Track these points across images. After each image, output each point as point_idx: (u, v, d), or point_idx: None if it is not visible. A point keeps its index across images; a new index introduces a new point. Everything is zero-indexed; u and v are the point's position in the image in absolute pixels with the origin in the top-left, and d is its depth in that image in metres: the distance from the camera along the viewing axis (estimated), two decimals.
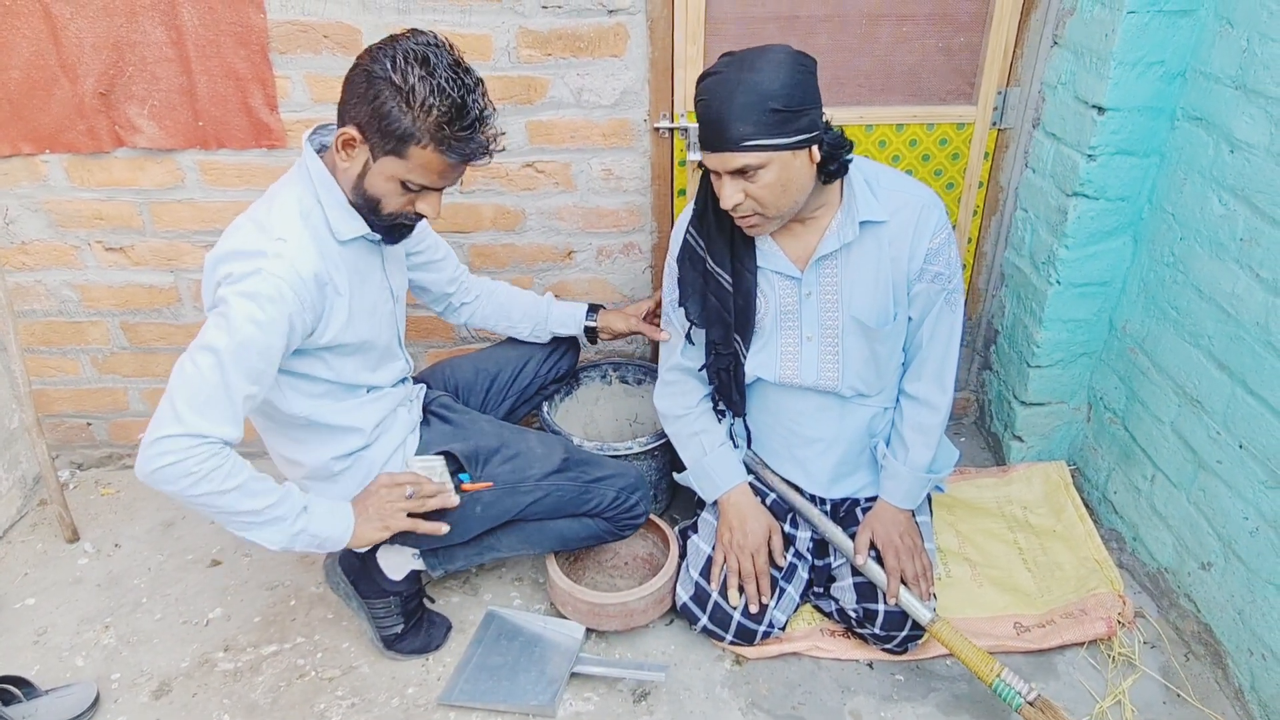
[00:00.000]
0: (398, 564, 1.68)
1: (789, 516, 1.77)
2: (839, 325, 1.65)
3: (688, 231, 1.67)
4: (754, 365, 1.70)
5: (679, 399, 1.78)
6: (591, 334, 1.87)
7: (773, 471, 1.80)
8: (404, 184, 1.34)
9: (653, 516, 1.87)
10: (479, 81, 1.31)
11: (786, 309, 1.66)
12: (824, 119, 1.45)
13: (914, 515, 1.73)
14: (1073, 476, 2.11)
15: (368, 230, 1.42)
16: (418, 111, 1.25)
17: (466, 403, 1.80)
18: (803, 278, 1.62)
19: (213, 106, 1.86)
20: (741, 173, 1.42)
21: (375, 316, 1.50)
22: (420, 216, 1.41)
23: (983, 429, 2.33)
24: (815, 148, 1.43)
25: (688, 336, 1.75)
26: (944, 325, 1.65)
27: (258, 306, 1.27)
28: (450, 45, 1.30)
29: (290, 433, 1.52)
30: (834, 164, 1.47)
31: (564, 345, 1.92)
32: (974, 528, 2.03)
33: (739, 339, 1.67)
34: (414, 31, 1.29)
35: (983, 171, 2.04)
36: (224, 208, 1.98)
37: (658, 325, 1.84)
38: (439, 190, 1.38)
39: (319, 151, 1.41)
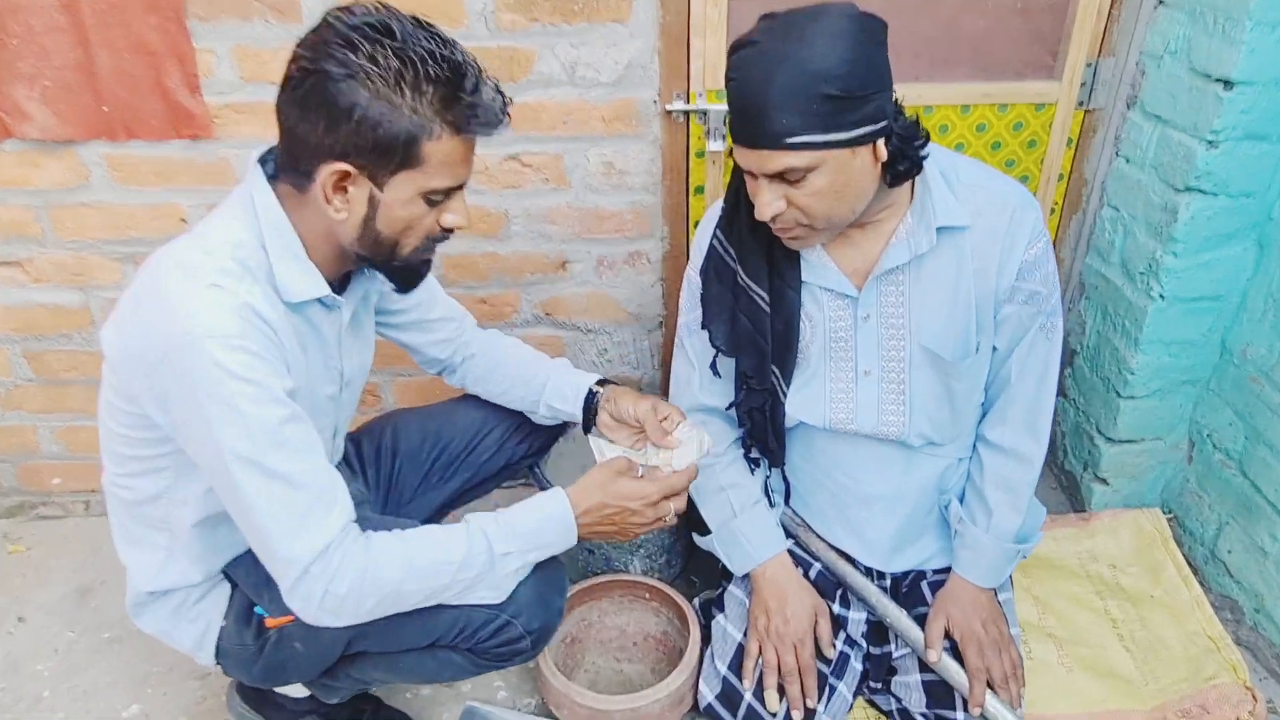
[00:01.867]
0: (292, 687, 1.35)
1: (838, 593, 1.42)
2: (905, 357, 1.30)
3: (714, 236, 1.32)
4: (796, 405, 1.35)
5: None
6: (589, 412, 1.37)
7: (818, 536, 1.45)
8: (428, 198, 1.00)
9: (665, 588, 1.52)
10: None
11: (838, 336, 1.31)
12: (895, 102, 1.10)
13: (996, 594, 1.39)
14: (1170, 527, 1.76)
15: (326, 291, 1.06)
16: (414, 97, 0.92)
17: (399, 479, 1.42)
18: (860, 297, 1.27)
19: (119, 87, 1.50)
20: (783, 177, 1.07)
21: (313, 405, 1.11)
22: (449, 233, 1.07)
23: (1054, 466, 1.98)
24: (881, 143, 1.08)
25: (712, 366, 1.40)
26: (1038, 357, 1.30)
27: (232, 376, 0.95)
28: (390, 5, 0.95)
29: (143, 528, 1.18)
30: (905, 162, 1.12)
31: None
32: (1054, 591, 1.68)
33: (777, 372, 1.32)
34: (345, 8, 0.94)
35: (1064, 162, 1.68)
36: (139, 212, 1.62)
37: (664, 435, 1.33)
38: (463, 188, 1.04)
39: (271, 179, 1.04)
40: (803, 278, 1.29)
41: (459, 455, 1.43)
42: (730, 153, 1.18)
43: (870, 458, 1.38)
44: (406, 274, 1.10)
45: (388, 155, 0.94)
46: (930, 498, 1.41)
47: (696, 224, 1.49)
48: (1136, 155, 1.59)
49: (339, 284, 1.12)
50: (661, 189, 1.66)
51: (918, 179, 1.23)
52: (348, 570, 1.01)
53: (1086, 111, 1.64)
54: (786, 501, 1.49)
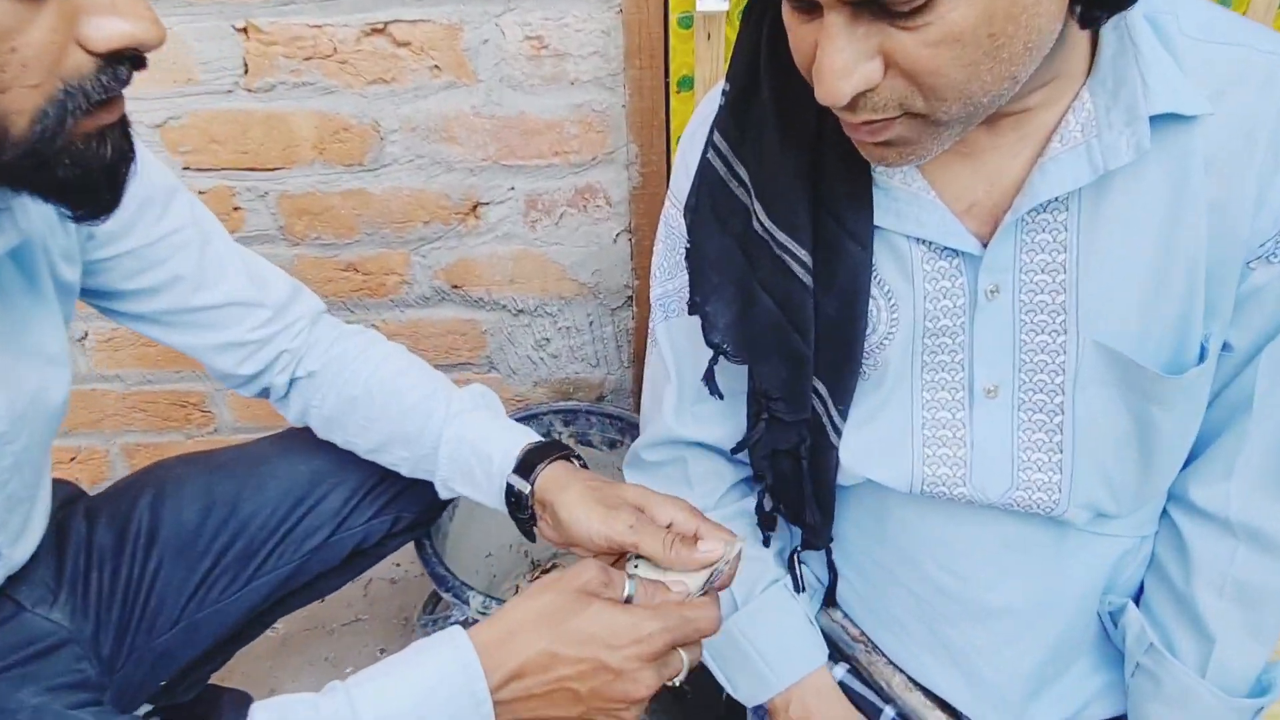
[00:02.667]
0: None
1: None
2: (1066, 365, 0.69)
3: (710, 146, 0.73)
4: (858, 452, 0.75)
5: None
6: (519, 516, 0.76)
7: (889, 663, 0.85)
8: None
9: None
10: None
11: (940, 327, 0.71)
12: None
13: None
14: None
15: None
16: None
17: (154, 591, 0.79)
18: (986, 255, 0.67)
19: None
20: (885, 8, 0.49)
21: None
22: (118, 75, 0.48)
23: None
24: None
25: (707, 378, 0.80)
26: None
27: None
28: None
29: None
30: None
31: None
32: None
33: (824, 391, 0.74)
34: None
35: None
36: None
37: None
38: None
39: None
40: (877, 221, 0.69)
41: (267, 540, 0.82)
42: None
43: (994, 543, 0.77)
44: (53, 181, 0.49)
45: None
46: (1092, 608, 0.81)
47: (680, 137, 0.88)
48: None
49: None
50: (625, 80, 1.04)
51: (1107, 31, 0.62)
52: None
53: None
54: (830, 601, 0.89)
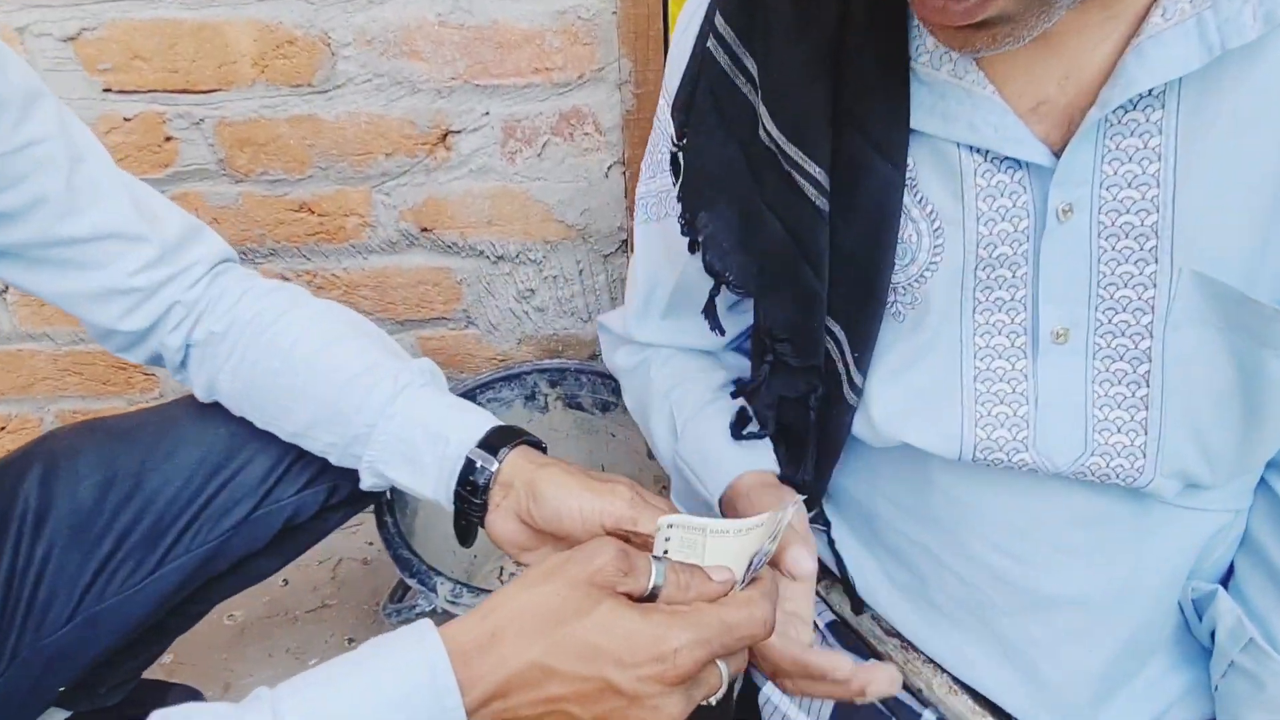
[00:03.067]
0: None
1: None
2: (1155, 301, 0.56)
3: (710, 32, 0.59)
4: (888, 410, 0.62)
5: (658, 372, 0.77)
6: (471, 503, 0.61)
7: (928, 661, 0.73)
8: None
9: None
10: None
11: (996, 256, 0.58)
12: None
13: None
14: None
15: None
16: None
17: (44, 582, 0.66)
18: (1059, 166, 0.53)
19: None
20: None
21: None
22: None
23: None
24: None
25: (708, 312, 0.68)
26: None
27: None
28: None
29: None
30: None
31: None
32: None
33: (840, 334, 0.61)
34: None
35: None
36: None
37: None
38: None
39: None
40: (917, 125, 0.55)
41: (178, 518, 0.69)
42: None
43: (1060, 520, 0.64)
44: None
45: None
46: (1175, 595, 0.68)
47: (677, 20, 0.73)
48: None
49: None
50: None
51: None
52: None
53: None
54: (850, 594, 0.76)
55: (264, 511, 0.70)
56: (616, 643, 0.42)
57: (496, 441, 0.60)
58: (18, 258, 0.61)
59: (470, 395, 0.96)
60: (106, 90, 0.92)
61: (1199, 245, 0.53)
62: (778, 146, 0.57)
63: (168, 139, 0.95)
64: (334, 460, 0.66)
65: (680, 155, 0.63)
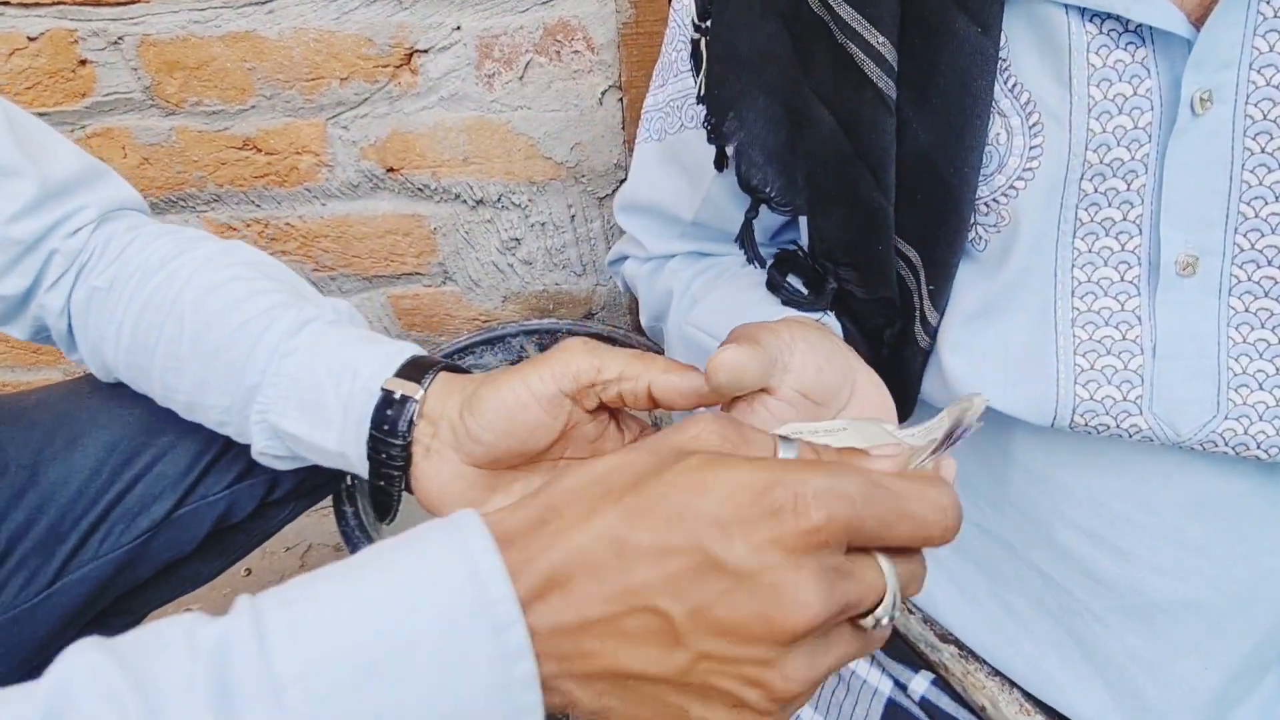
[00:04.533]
0: None
1: None
2: None
3: None
4: (966, 359, 0.50)
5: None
6: (390, 448, 0.45)
7: (994, 673, 0.60)
8: None
9: None
10: None
11: (1110, 161, 0.45)
12: None
13: None
14: None
15: None
16: None
17: None
18: (1198, 40, 0.40)
19: None
20: None
21: None
22: None
23: None
24: None
25: (741, 239, 0.56)
26: None
27: None
28: None
29: None
30: None
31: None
32: None
33: (915, 259, 0.49)
34: None
35: None
36: None
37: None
38: None
39: None
40: None
41: (86, 513, 0.56)
42: None
43: (1178, 504, 0.52)
44: None
45: None
46: None
47: None
48: None
49: None
50: None
51: None
52: None
53: None
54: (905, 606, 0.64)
55: (189, 509, 0.57)
56: (716, 497, 0.28)
57: (416, 373, 0.46)
58: None
59: (450, 357, 0.83)
60: (4, 3, 0.78)
61: None
62: (830, 10, 0.44)
63: (82, 62, 0.81)
64: (234, 434, 0.52)
65: (703, 41, 0.50)
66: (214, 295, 0.50)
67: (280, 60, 0.82)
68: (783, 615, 0.27)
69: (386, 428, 0.45)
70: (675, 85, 0.56)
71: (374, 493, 0.47)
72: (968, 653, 0.62)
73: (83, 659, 0.26)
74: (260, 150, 0.87)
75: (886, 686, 0.61)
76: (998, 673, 0.61)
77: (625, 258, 0.65)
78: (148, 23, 0.79)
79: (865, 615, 0.30)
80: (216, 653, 0.26)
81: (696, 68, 0.51)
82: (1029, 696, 0.60)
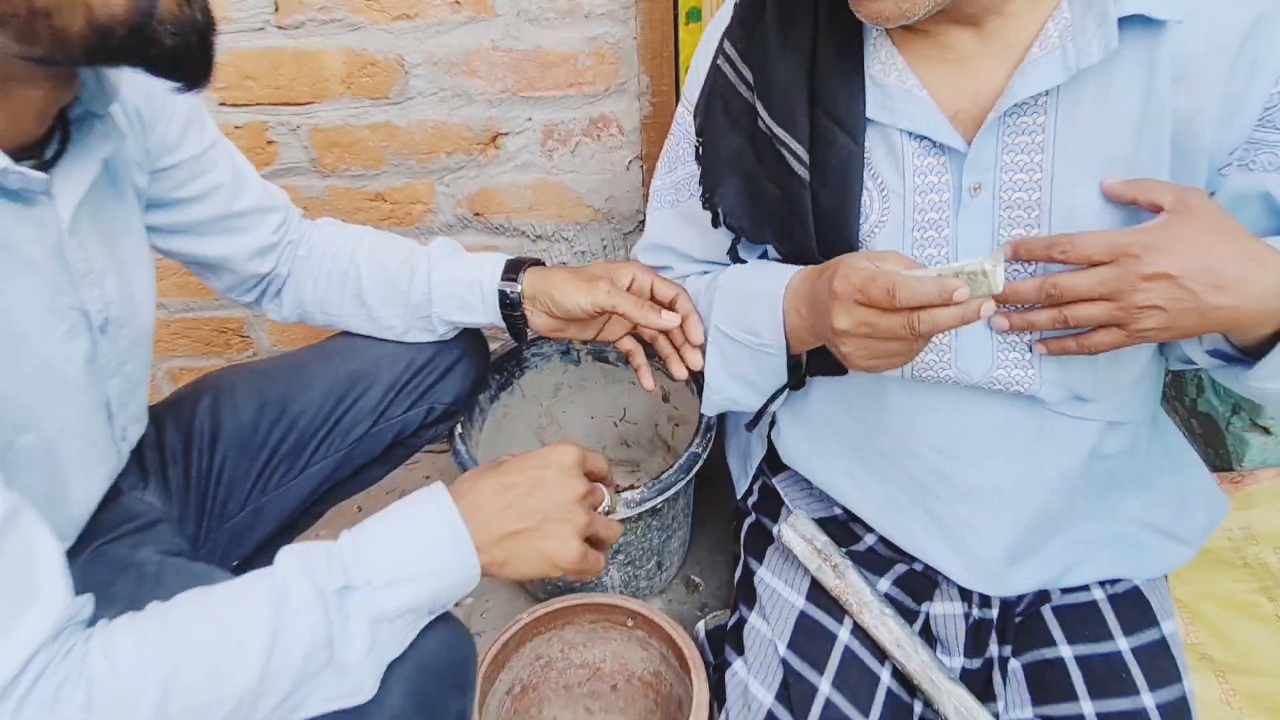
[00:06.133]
0: None
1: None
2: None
3: (719, 53, 0.80)
4: None
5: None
6: (515, 318, 0.90)
7: (865, 583, 0.93)
8: None
9: (655, 616, 1.03)
10: None
11: (927, 220, 0.80)
12: None
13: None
14: None
15: (6, 163, 0.55)
16: None
17: (221, 480, 0.89)
18: (970, 153, 0.75)
19: None
20: None
21: (33, 380, 0.62)
22: None
23: (1179, 405, 1.47)
24: None
25: (731, 254, 0.91)
26: None
27: None
28: None
29: None
30: None
31: (447, 355, 0.96)
32: (1201, 591, 1.18)
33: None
34: None
35: None
36: None
37: (654, 305, 0.89)
38: None
39: None
40: (871, 115, 0.77)
41: (316, 430, 0.91)
42: None
43: (982, 426, 0.86)
44: (151, 46, 0.55)
45: None
46: (1068, 486, 0.90)
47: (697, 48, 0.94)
48: None
49: (41, 148, 0.59)
50: (636, 15, 1.09)
51: None
52: (63, 702, 0.53)
53: None
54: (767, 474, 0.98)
55: (379, 428, 0.93)
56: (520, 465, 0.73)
57: (513, 271, 0.88)
58: (189, 232, 0.83)
59: (519, 350, 1.18)
60: (222, 104, 1.12)
61: (1070, 220, 0.75)
62: (771, 132, 0.78)
63: (269, 142, 1.15)
64: (399, 332, 0.91)
65: (700, 148, 0.85)
66: (375, 252, 0.90)
67: (406, 140, 1.17)
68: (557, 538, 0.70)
69: (508, 306, 0.87)
70: (681, 171, 0.90)
71: (511, 333, 0.91)
72: (846, 568, 0.92)
73: (291, 559, 0.61)
74: (387, 201, 1.22)
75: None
76: (866, 579, 0.91)
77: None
78: (318, 116, 1.14)
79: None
80: (334, 562, 0.61)
81: (699, 162, 0.85)
82: (886, 609, 0.90)
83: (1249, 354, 0.74)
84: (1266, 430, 1.31)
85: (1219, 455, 1.41)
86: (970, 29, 0.72)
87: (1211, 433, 1.42)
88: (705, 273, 0.95)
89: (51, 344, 0.63)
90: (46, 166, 0.61)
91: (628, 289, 0.86)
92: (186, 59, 0.57)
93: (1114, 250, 0.69)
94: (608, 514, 0.75)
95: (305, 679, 0.59)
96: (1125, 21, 0.68)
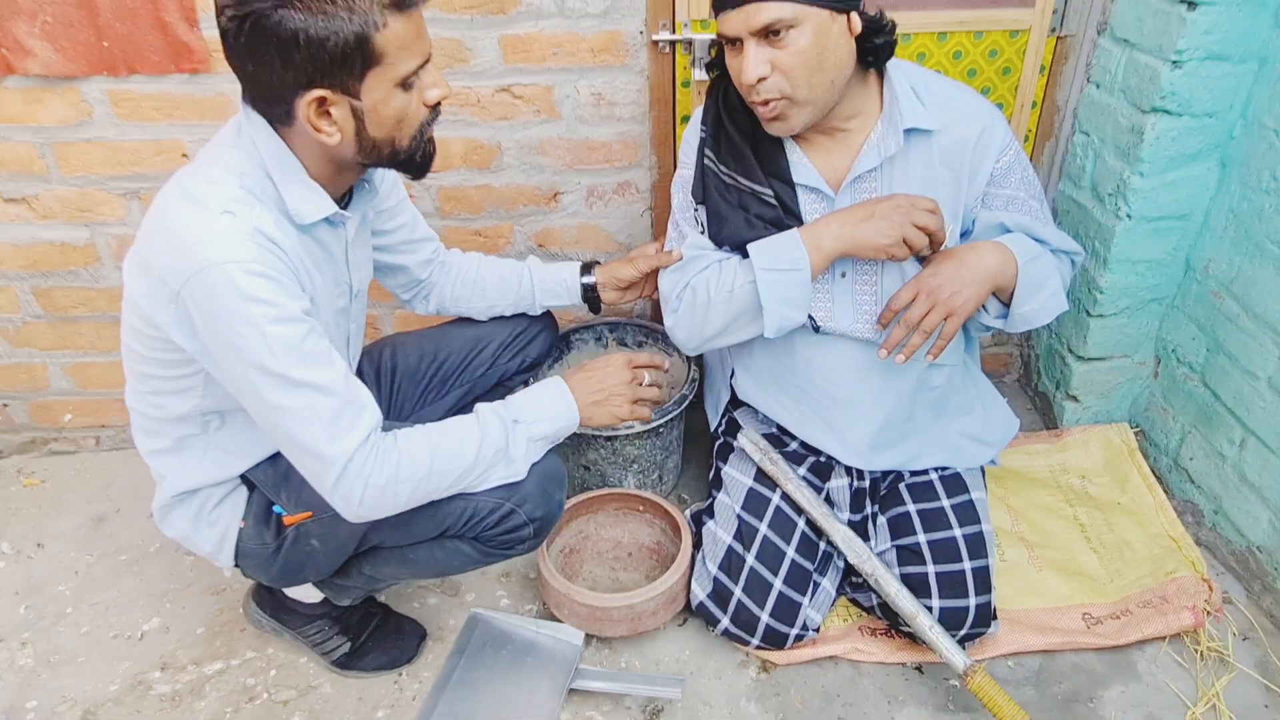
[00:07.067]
0: (305, 591, 1.44)
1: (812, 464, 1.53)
2: (876, 260, 1.36)
3: (706, 159, 1.39)
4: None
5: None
6: (592, 297, 1.53)
7: (778, 461, 1.50)
8: (403, 85, 1.03)
9: (658, 499, 1.60)
10: None
11: None
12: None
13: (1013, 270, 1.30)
14: (1137, 440, 1.85)
15: (334, 209, 1.12)
16: (343, 3, 0.93)
17: (399, 395, 1.49)
18: (837, 198, 1.35)
19: (118, 22, 1.54)
20: (770, 34, 1.17)
21: (327, 319, 1.19)
22: (438, 109, 1.11)
23: (1028, 388, 2.06)
24: (855, 15, 1.20)
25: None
26: (1021, 210, 1.37)
27: (253, 299, 1.00)
28: None
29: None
30: (878, 38, 1.23)
31: (534, 328, 1.56)
32: (1027, 502, 1.77)
33: None
34: None
35: (1038, 89, 1.74)
36: (142, 148, 1.66)
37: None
38: (429, 59, 1.06)
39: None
40: (793, 178, 1.35)
41: (455, 371, 1.51)
42: (713, 44, 1.30)
43: (848, 361, 1.45)
44: (416, 163, 1.14)
45: (348, 64, 0.96)
46: (908, 401, 1.48)
47: (684, 133, 1.55)
48: (1106, 80, 1.66)
49: (342, 200, 1.18)
50: (649, 119, 1.71)
51: (888, 89, 1.31)
52: (382, 464, 1.10)
53: (1059, 38, 1.70)
54: (730, 407, 1.61)
55: (492, 370, 1.52)
56: (603, 360, 1.30)
57: (586, 270, 1.49)
58: (388, 250, 1.42)
59: (568, 334, 1.78)
60: None
61: None
62: (752, 189, 1.38)
63: (411, 196, 1.76)
64: (508, 312, 1.53)
65: (701, 214, 1.44)
66: (491, 266, 1.51)
67: (499, 194, 1.78)
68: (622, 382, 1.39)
69: (587, 292, 1.48)
70: (687, 214, 1.50)
71: (591, 308, 1.52)
72: (777, 457, 1.55)
73: (485, 407, 1.24)
74: (482, 235, 1.82)
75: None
76: (791, 463, 1.53)
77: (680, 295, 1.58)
78: (442, 179, 1.75)
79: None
80: (510, 407, 1.25)
81: (701, 228, 1.44)
82: (791, 468, 1.52)
83: (1008, 305, 1.34)
84: (1076, 399, 1.91)
85: (1049, 417, 2.01)
86: (828, 136, 1.33)
87: (1044, 403, 2.02)
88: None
89: (334, 301, 1.22)
90: (343, 208, 1.21)
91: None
92: (421, 165, 1.16)
93: (915, 287, 1.31)
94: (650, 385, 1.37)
95: (494, 464, 1.18)
96: (909, 131, 1.30)
